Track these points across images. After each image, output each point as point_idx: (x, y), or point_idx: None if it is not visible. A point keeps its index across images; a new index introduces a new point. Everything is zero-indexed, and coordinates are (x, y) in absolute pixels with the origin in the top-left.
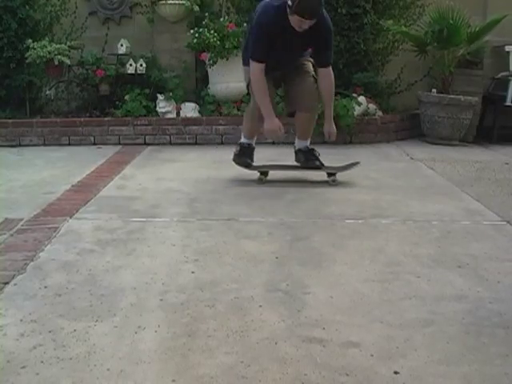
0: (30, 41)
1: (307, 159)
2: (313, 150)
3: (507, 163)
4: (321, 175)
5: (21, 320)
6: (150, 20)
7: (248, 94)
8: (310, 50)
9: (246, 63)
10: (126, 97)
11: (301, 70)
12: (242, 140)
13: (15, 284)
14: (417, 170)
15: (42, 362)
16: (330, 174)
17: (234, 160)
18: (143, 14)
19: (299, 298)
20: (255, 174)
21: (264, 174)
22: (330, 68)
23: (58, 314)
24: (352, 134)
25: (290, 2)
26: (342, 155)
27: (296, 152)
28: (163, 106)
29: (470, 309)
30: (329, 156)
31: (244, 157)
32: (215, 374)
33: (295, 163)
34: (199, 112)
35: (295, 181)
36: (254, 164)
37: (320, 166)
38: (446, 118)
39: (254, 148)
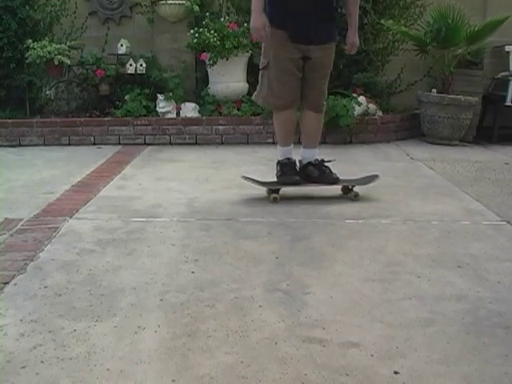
0: (29, 41)
1: (322, 172)
2: (323, 160)
3: (507, 163)
4: (335, 189)
5: (21, 320)
6: (150, 20)
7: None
8: None
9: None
10: (126, 97)
11: (319, 61)
12: (280, 157)
13: (15, 284)
14: (417, 170)
15: (42, 361)
16: (347, 189)
17: (279, 182)
18: (143, 14)
19: (299, 298)
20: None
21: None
22: None
23: (58, 314)
24: (352, 134)
25: None
26: (343, 155)
27: (305, 166)
28: (163, 106)
29: (470, 309)
30: (328, 156)
31: (289, 174)
32: (215, 374)
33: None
34: (199, 112)
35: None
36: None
37: (338, 180)
38: (446, 117)
39: (294, 162)
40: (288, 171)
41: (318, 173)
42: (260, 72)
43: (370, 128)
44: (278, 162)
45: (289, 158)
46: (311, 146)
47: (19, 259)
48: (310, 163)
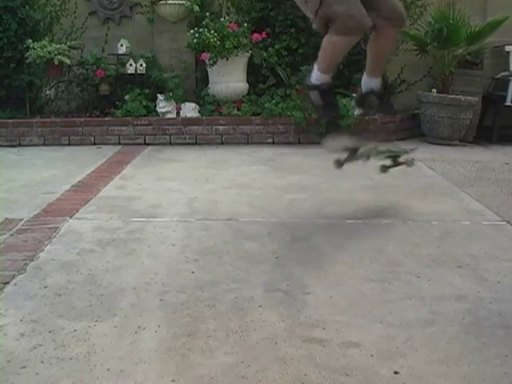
0: (29, 41)
1: (385, 102)
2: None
3: (507, 163)
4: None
5: (21, 320)
6: (150, 20)
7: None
8: None
9: None
10: (126, 97)
11: None
12: (315, 81)
13: (15, 284)
14: (417, 170)
15: (42, 361)
16: (394, 158)
17: (321, 116)
18: (143, 14)
19: (299, 298)
20: (256, 173)
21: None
22: None
23: (58, 314)
24: (352, 134)
25: None
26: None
27: (366, 94)
28: (163, 106)
29: (470, 309)
30: (329, 156)
31: (331, 105)
32: (215, 374)
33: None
34: (199, 112)
35: (295, 181)
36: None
37: (396, 112)
38: (446, 117)
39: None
40: (329, 102)
41: (378, 102)
42: (318, 13)
43: (369, 128)
44: (315, 87)
45: (328, 84)
46: (377, 75)
47: (19, 259)
48: (372, 91)
